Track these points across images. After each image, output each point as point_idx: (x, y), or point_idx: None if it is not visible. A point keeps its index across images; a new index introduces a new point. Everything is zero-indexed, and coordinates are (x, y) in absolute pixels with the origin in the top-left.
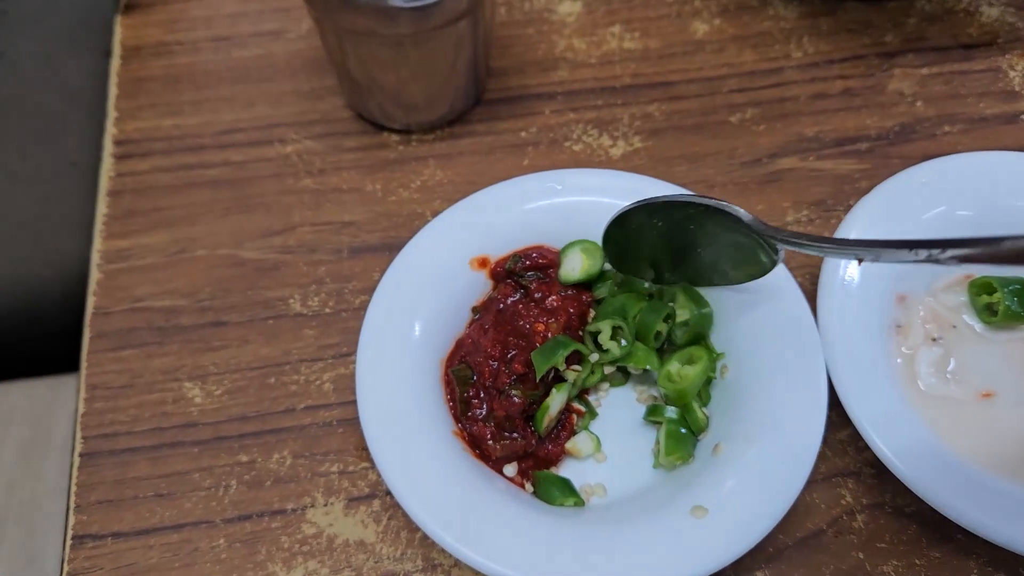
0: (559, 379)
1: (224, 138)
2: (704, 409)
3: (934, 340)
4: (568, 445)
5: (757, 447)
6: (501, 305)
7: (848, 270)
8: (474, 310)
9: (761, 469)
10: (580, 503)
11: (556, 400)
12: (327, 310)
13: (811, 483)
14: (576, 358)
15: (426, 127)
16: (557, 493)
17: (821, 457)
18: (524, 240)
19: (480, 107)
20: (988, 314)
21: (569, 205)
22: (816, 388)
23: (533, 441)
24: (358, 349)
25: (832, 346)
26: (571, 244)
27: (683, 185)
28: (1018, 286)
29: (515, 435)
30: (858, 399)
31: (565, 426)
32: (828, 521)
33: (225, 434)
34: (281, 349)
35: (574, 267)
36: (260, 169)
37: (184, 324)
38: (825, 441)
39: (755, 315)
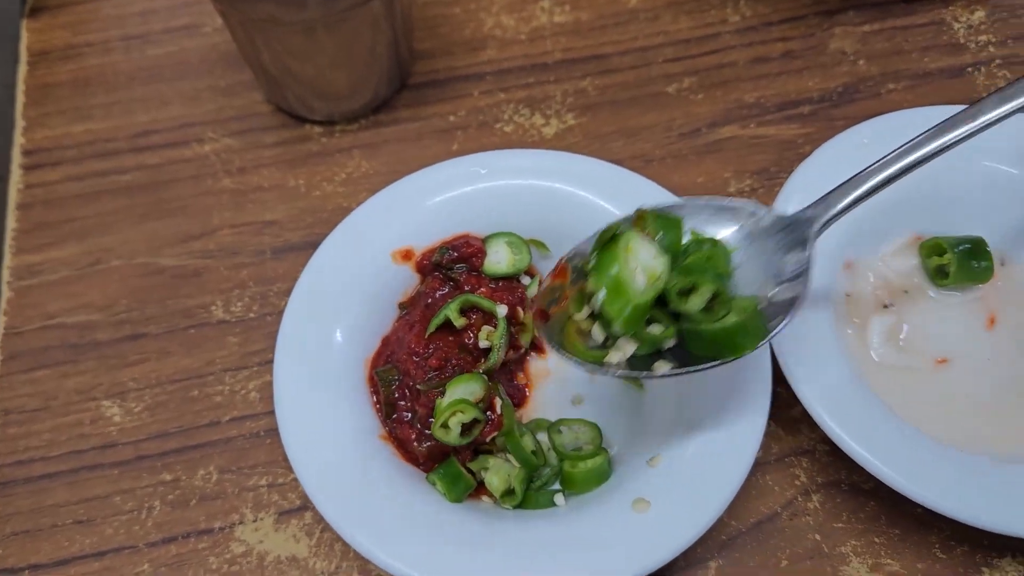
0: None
1: (138, 141)
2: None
3: (886, 307)
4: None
5: (699, 435)
6: (429, 300)
7: None
8: (401, 306)
9: (704, 458)
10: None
11: (450, 395)
12: (251, 315)
13: (763, 465)
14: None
15: (349, 116)
16: (456, 489)
17: (773, 437)
18: (449, 230)
19: (406, 92)
20: (940, 277)
21: (496, 190)
22: (760, 374)
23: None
24: (275, 357)
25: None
26: (494, 236)
27: (619, 161)
28: (968, 246)
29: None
30: (806, 377)
31: (492, 423)
32: (782, 503)
33: (146, 453)
34: (204, 359)
35: (499, 260)
36: (177, 171)
37: (100, 339)
38: (776, 420)
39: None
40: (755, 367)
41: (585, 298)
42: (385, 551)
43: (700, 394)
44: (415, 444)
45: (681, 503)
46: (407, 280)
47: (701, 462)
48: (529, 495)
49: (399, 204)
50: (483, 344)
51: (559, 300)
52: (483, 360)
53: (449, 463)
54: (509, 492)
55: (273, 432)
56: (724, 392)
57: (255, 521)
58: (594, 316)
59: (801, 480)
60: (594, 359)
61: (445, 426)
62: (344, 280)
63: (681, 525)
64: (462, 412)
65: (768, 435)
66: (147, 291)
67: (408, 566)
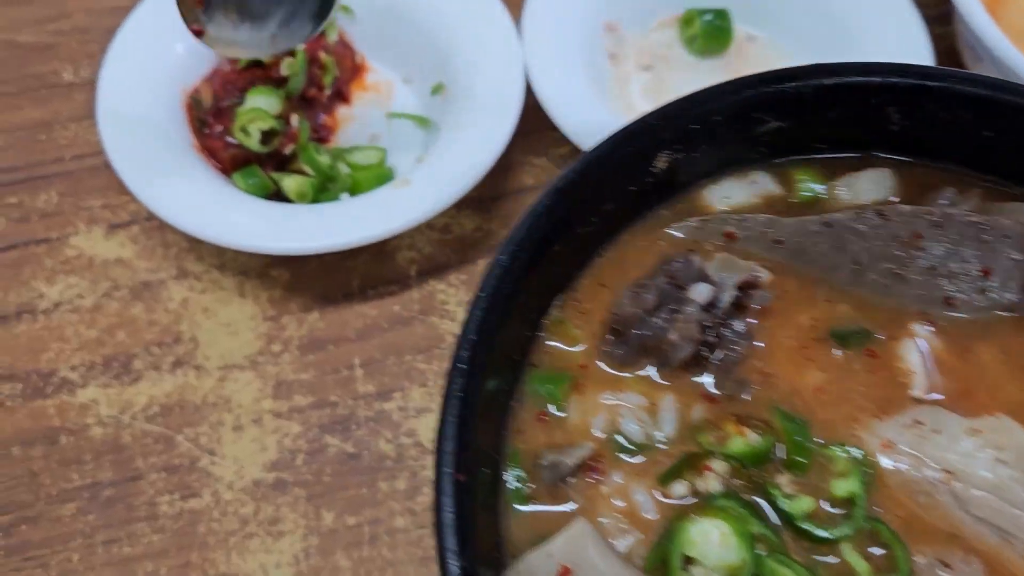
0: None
1: None
2: None
3: (646, 68)
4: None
5: (458, 144)
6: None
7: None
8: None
9: (458, 157)
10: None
11: (249, 103)
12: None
13: (532, 190)
14: None
15: None
16: (254, 185)
17: (542, 170)
18: None
19: None
20: (691, 43)
21: None
22: (512, 92)
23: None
24: (103, 65)
25: (541, 71)
26: None
27: None
28: (711, 16)
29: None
30: (576, 122)
31: (288, 135)
32: None
33: None
34: (52, 111)
35: None
36: None
37: None
38: (547, 156)
39: (466, 40)
40: (505, 104)
41: None
42: (197, 225)
43: (463, 113)
44: (222, 151)
45: (436, 183)
46: None
47: (456, 160)
48: (321, 196)
49: None
50: (284, 72)
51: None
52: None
53: (250, 166)
54: (302, 196)
55: (111, 165)
56: (479, 116)
57: (88, 232)
58: None
59: None
60: None
61: (244, 131)
62: (163, 35)
63: (433, 197)
64: (260, 120)
65: (539, 168)
66: (4, 61)
67: (217, 233)
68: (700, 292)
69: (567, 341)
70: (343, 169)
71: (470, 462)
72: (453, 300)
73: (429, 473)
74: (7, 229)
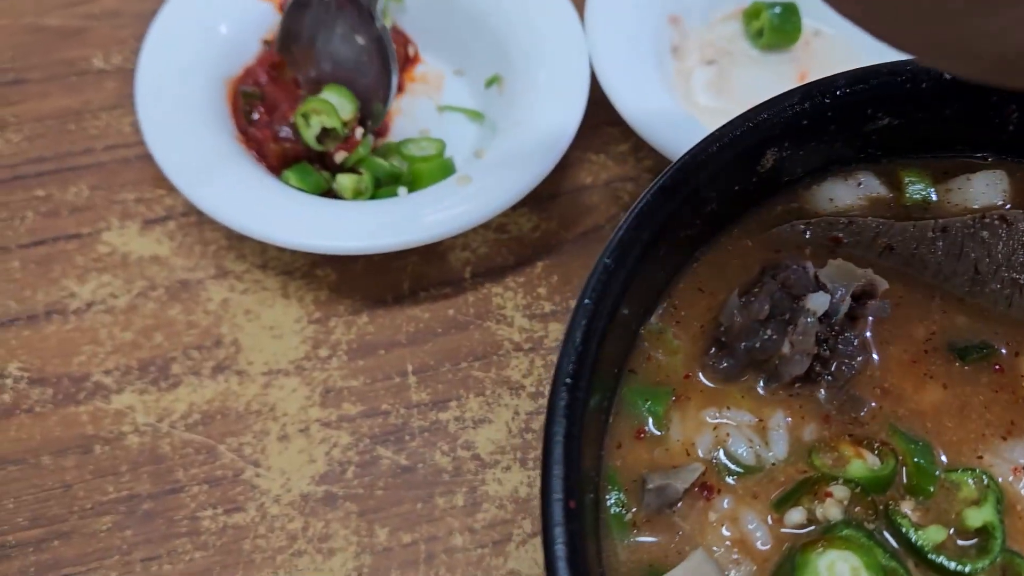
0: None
1: None
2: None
3: (710, 62)
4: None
5: (519, 136)
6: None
7: None
8: (266, 43)
9: (521, 151)
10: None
11: (323, 95)
12: (129, 66)
13: (591, 188)
14: None
15: None
16: (308, 182)
17: (602, 167)
18: None
19: None
20: (758, 37)
21: None
22: (575, 98)
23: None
24: (141, 50)
25: (606, 65)
26: None
27: None
28: (780, 9)
29: (291, 137)
30: (641, 115)
31: (347, 142)
32: (606, 218)
33: (23, 174)
34: (82, 100)
35: None
36: None
37: None
38: (607, 153)
39: (526, 31)
40: (574, 83)
41: None
42: (244, 221)
43: (523, 107)
44: (271, 144)
45: (498, 181)
46: (270, 17)
47: (518, 154)
48: (378, 193)
49: None
50: None
51: None
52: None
53: (302, 164)
54: (359, 195)
55: (145, 158)
56: (542, 109)
57: (121, 228)
58: None
59: (624, 200)
60: None
61: (305, 118)
62: (206, 16)
63: (495, 195)
64: (326, 115)
65: (598, 165)
66: (31, 46)
67: (265, 229)
68: (818, 302)
69: (666, 352)
70: (400, 165)
71: (579, 487)
72: (510, 304)
73: (489, 488)
74: (35, 224)
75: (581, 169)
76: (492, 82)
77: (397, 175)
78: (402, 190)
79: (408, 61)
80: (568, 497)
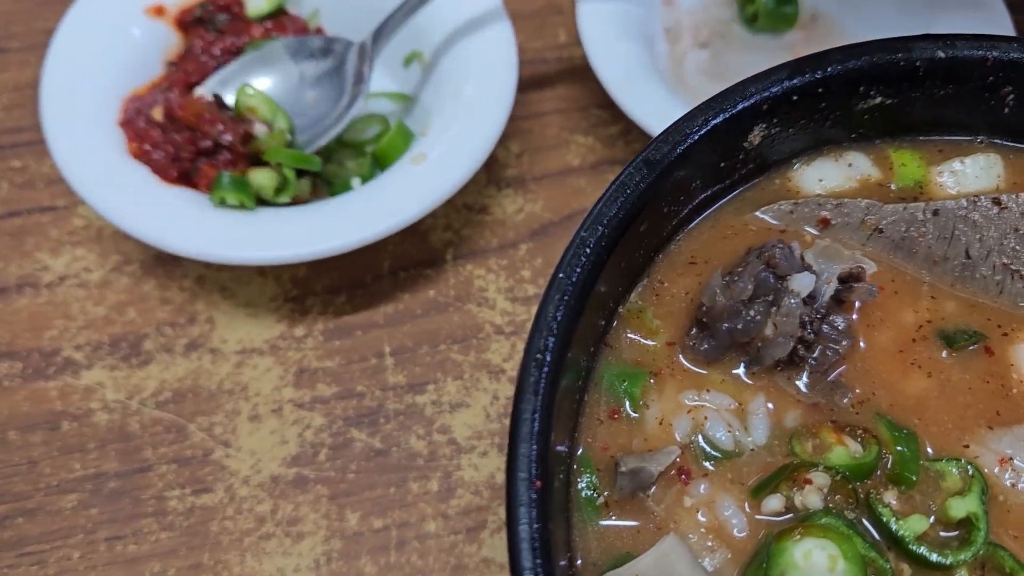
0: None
1: None
2: None
3: (703, 45)
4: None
5: (460, 102)
6: (203, 57)
7: None
8: (169, 64)
9: (467, 124)
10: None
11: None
12: None
13: (579, 170)
14: None
15: None
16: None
17: (590, 150)
18: None
19: None
20: (753, 21)
21: None
22: (504, 45)
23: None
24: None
25: (597, 46)
26: None
27: None
28: None
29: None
30: (632, 97)
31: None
32: (592, 202)
33: None
34: None
35: (258, 3)
36: None
37: None
38: (596, 136)
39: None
40: (501, 58)
41: None
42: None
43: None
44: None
45: (451, 156)
46: (164, 36)
47: (466, 129)
48: (335, 187)
49: None
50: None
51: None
52: None
53: (233, 176)
54: (273, 191)
55: None
56: (477, 75)
57: None
58: None
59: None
60: None
61: (247, 106)
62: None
63: (453, 168)
64: (264, 106)
65: (586, 148)
66: (12, 15)
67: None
68: (803, 283)
69: (645, 332)
70: (347, 162)
71: (547, 467)
72: (492, 287)
73: (464, 474)
74: (10, 194)
75: (568, 151)
76: (411, 59)
77: (307, 160)
78: (355, 181)
79: None
80: (535, 477)
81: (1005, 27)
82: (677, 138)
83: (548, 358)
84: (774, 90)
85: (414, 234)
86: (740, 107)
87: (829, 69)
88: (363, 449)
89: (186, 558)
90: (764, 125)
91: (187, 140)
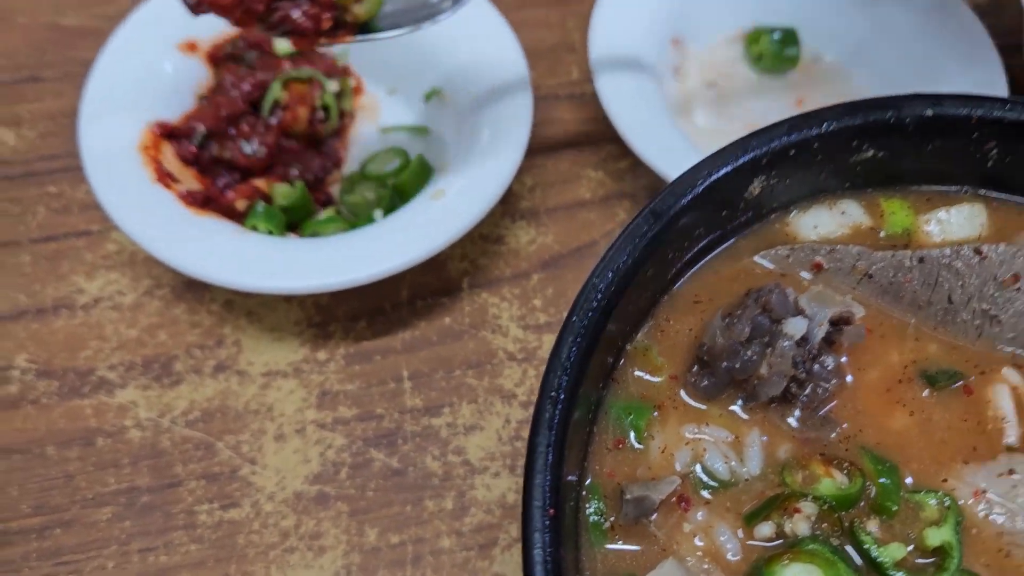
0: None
1: None
2: None
3: (710, 84)
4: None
5: (477, 140)
6: (234, 91)
7: (621, 11)
8: (201, 98)
9: (485, 163)
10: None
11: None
12: None
13: (588, 203)
14: None
15: None
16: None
17: (599, 184)
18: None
19: None
20: (757, 61)
21: None
22: (519, 85)
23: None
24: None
25: (608, 85)
26: None
27: None
28: (780, 34)
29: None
30: (641, 134)
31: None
32: (601, 234)
33: (35, 171)
34: None
35: (285, 42)
36: None
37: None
38: (605, 170)
39: (458, 41)
40: (515, 97)
41: None
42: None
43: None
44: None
45: (469, 191)
46: (196, 71)
47: (483, 165)
48: (357, 217)
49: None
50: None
51: None
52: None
53: (267, 208)
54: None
55: None
56: (493, 118)
57: None
58: None
59: (620, 216)
60: None
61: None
62: (137, 68)
63: (471, 204)
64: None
65: (596, 182)
66: (48, 44)
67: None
68: (796, 326)
69: (651, 369)
70: (367, 194)
71: (559, 496)
72: (506, 315)
73: (477, 493)
74: (46, 220)
75: (579, 185)
76: (432, 95)
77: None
78: (378, 213)
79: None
80: (549, 505)
81: (998, 75)
82: (682, 189)
83: (561, 395)
84: (773, 145)
85: (432, 263)
86: (742, 160)
87: (825, 126)
88: (381, 468)
89: (214, 569)
90: (764, 177)
91: None
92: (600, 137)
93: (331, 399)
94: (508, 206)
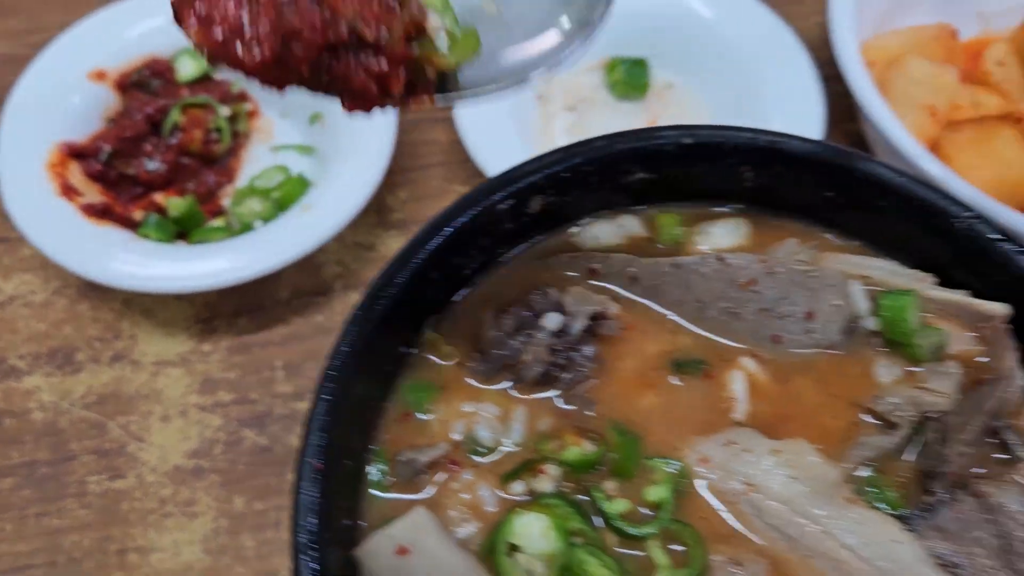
0: None
1: None
2: None
3: (571, 108)
4: None
5: (346, 159)
6: (139, 113)
7: None
8: (108, 120)
9: (349, 183)
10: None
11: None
12: None
13: None
14: None
15: None
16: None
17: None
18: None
19: None
20: (614, 88)
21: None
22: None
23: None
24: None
25: (466, 114)
26: (179, 53)
27: None
28: (631, 64)
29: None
30: (488, 152)
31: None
32: None
33: None
34: None
35: (187, 69)
36: None
37: None
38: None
39: None
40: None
41: None
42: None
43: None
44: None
45: (336, 203)
46: (103, 97)
47: (351, 181)
48: (243, 227)
49: (94, 32)
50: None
51: None
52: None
53: (158, 219)
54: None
55: None
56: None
57: None
58: None
59: None
60: None
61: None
62: (50, 95)
63: (336, 215)
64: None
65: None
66: None
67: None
68: (551, 320)
69: (441, 356)
70: (254, 206)
71: (331, 454)
72: None
73: None
74: None
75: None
76: (315, 119)
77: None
78: (258, 223)
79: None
80: (318, 460)
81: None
82: (461, 208)
83: (337, 374)
84: (547, 171)
85: (309, 267)
86: (519, 185)
87: (591, 155)
88: (252, 446)
89: (99, 531)
90: (541, 196)
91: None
92: (464, 155)
93: (212, 385)
94: (383, 217)
